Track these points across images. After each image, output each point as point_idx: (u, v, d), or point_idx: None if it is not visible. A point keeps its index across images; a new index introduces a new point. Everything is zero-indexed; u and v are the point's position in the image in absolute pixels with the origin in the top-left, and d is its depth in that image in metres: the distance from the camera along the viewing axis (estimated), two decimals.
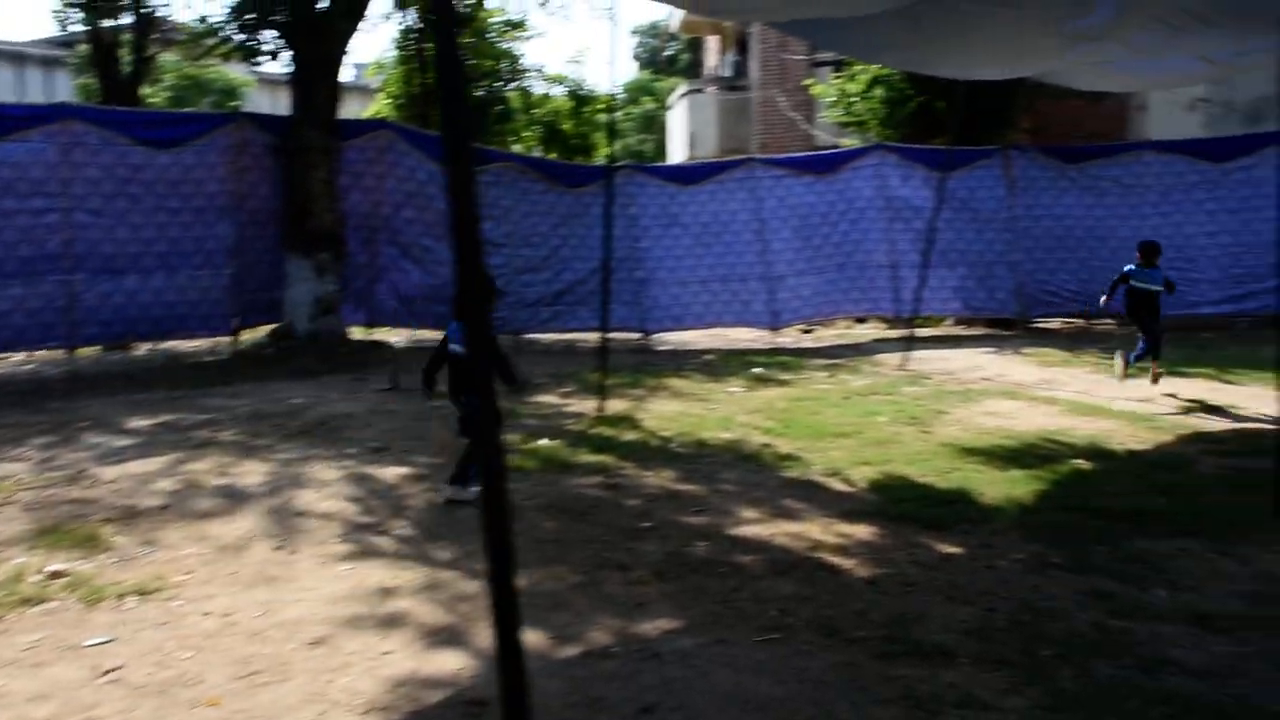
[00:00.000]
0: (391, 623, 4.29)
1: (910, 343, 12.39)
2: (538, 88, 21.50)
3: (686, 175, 15.92)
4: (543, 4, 23.88)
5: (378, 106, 21.08)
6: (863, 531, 5.49)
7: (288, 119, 12.69)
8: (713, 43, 32.26)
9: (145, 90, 17.73)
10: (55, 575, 4.78)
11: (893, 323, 15.64)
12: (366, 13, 13.11)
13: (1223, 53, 8.96)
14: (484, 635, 3.97)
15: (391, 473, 6.75)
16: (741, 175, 15.49)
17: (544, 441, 7.66)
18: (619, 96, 39.39)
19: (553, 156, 20.23)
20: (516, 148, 20.90)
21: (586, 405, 9.17)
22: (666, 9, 28.98)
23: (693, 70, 39.36)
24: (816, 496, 6.23)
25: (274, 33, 12.83)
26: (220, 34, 13.41)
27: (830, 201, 15.53)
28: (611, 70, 18.46)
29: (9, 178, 10.86)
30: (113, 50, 14.66)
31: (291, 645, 4.07)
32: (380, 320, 13.86)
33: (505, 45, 19.95)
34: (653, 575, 4.82)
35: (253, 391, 9.88)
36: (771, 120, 23.62)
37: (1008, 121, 16.41)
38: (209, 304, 12.21)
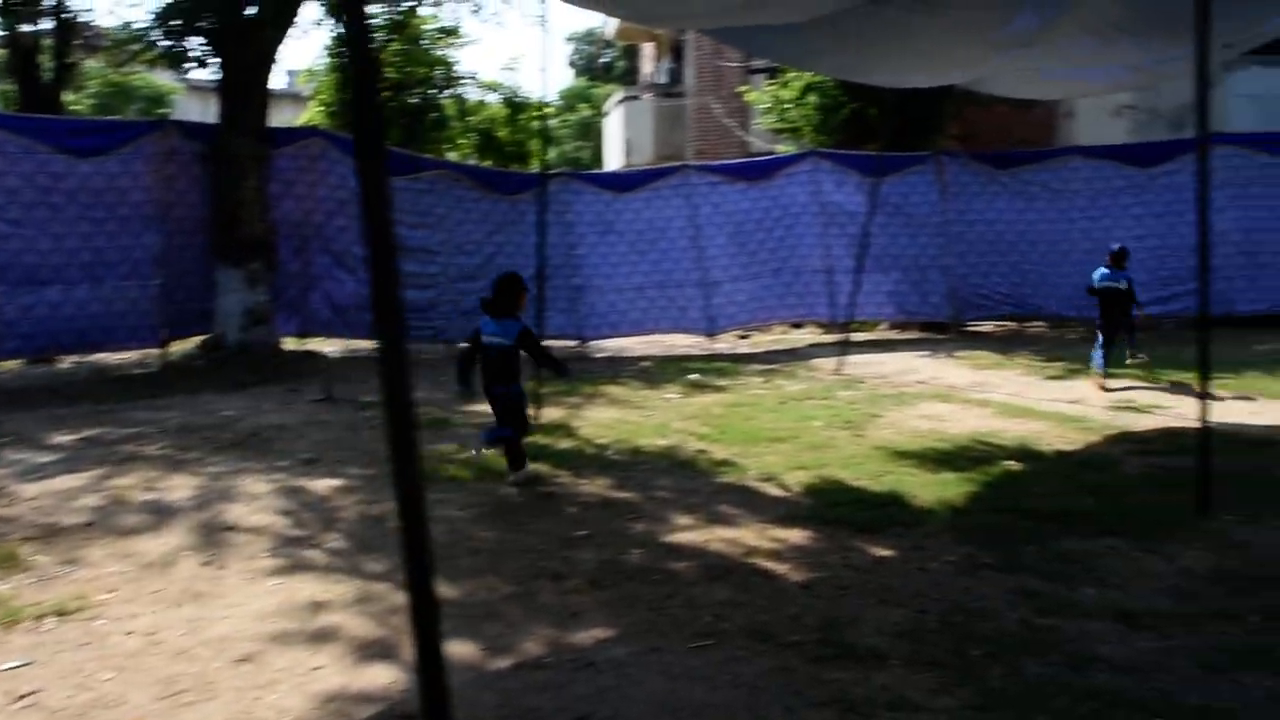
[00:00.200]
0: (322, 637, 4.22)
1: (845, 347, 12.51)
2: (473, 95, 21.44)
3: (622, 182, 15.98)
4: (475, 11, 23.78)
5: (310, 114, 20.85)
6: (797, 536, 5.52)
7: (217, 126, 12.48)
8: (648, 50, 32.38)
9: (69, 97, 17.38)
10: None
11: (828, 327, 15.78)
12: (297, 19, 12.95)
13: (1145, 61, 9.19)
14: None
15: (324, 485, 6.66)
16: (677, 182, 15.57)
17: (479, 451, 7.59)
18: (555, 103, 39.39)
19: (489, 164, 20.15)
20: (452, 155, 20.78)
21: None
22: (602, 16, 28.99)
23: (629, 77, 39.51)
24: (751, 502, 6.25)
25: (201, 39, 12.61)
26: (145, 40, 13.15)
27: (765, 208, 15.66)
28: (544, 77, 18.43)
29: None
30: (32, 56, 14.31)
31: (218, 663, 3.99)
32: (314, 330, 13.69)
33: (439, 52, 19.84)
34: (587, 584, 4.80)
35: (182, 404, 9.70)
36: (707, 127, 23.75)
37: (939, 128, 16.68)
38: (136, 315, 11.95)
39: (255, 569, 5.07)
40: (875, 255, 14.99)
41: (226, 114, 12.32)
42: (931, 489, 6.40)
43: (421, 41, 19.31)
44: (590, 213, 15.25)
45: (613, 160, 27.88)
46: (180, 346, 12.41)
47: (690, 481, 6.77)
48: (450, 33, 19.69)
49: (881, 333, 16.17)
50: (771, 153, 18.15)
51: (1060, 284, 15.56)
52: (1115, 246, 11.35)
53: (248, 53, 12.21)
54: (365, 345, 13.17)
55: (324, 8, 15.40)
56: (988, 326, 16.39)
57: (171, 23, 12.55)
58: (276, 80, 13.03)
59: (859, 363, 12.39)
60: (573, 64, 53.30)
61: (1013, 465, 7.10)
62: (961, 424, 8.60)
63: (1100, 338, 10.71)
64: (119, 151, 11.81)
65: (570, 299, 14.95)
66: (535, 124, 20.82)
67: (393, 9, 16.98)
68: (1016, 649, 3.98)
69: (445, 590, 4.72)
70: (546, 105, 15.60)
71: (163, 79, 27.53)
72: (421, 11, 17.93)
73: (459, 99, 20.66)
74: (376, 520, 5.85)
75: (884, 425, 8.57)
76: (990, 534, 5.45)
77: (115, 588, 4.81)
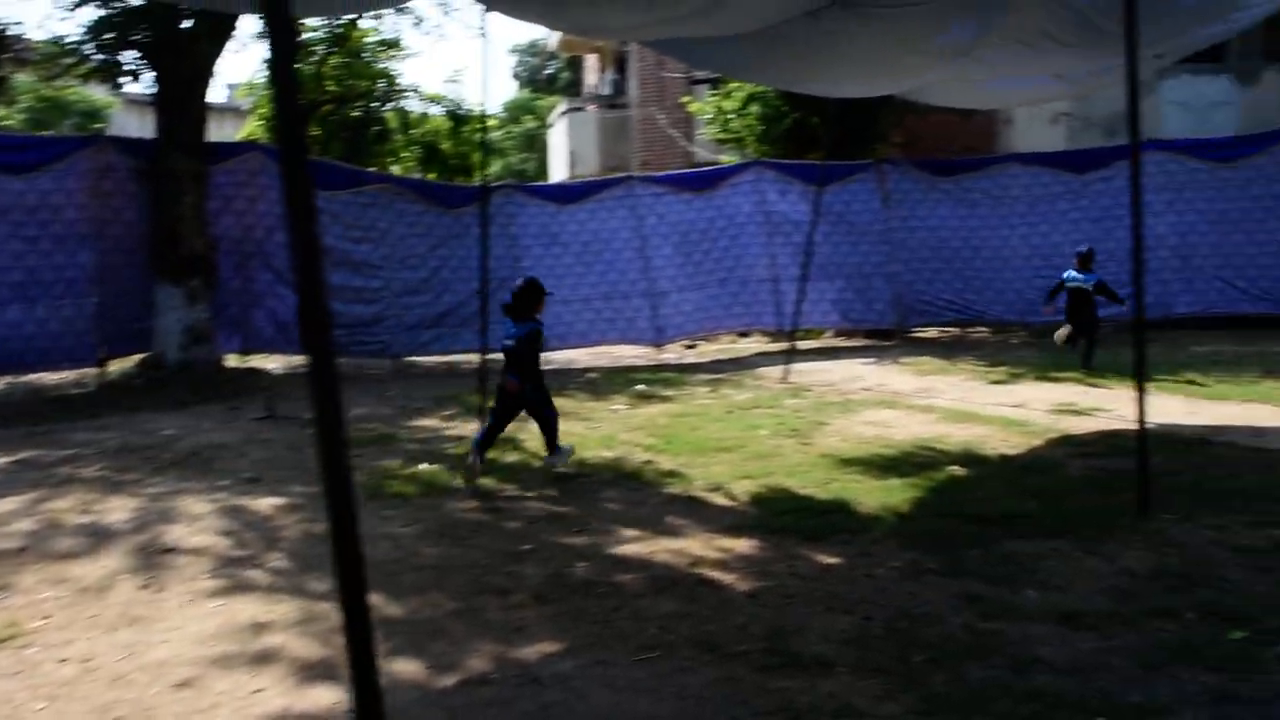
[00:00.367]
0: (263, 659, 4.16)
1: (791, 355, 12.58)
2: (416, 108, 21.31)
3: (566, 194, 15.97)
4: (417, 24, 23.68)
5: (250, 128, 20.61)
6: (743, 545, 5.54)
7: (153, 142, 12.29)
8: (592, 61, 32.44)
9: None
10: None
11: (775, 336, 15.88)
12: (235, 32, 12.80)
13: (1077, 72, 9.36)
14: None
15: (266, 504, 6.57)
16: (622, 193, 15.59)
17: (424, 466, 7.56)
18: (499, 116, 39.30)
19: (432, 177, 20.05)
20: (395, 169, 20.64)
21: (468, 428, 9.07)
22: (545, 28, 28.97)
23: (573, 88, 39.52)
24: (698, 512, 6.27)
25: (135, 52, 12.43)
26: (77, 54, 12.92)
27: (710, 218, 15.74)
28: (485, 89, 18.38)
29: None
30: None
31: (156, 688, 3.92)
32: (256, 347, 13.51)
33: (381, 65, 19.71)
34: (532, 598, 4.78)
35: (121, 424, 9.53)
36: (651, 138, 23.83)
37: (880, 136, 16.88)
38: (72, 335, 11.71)
39: (195, 591, 4.99)
40: (820, 263, 15.13)
41: (163, 129, 12.14)
42: (877, 495, 6.46)
43: (363, 54, 19.18)
44: (535, 225, 15.22)
45: (558, 172, 27.88)
46: (119, 366, 12.19)
47: (636, 493, 6.77)
48: (392, 45, 19.57)
49: (827, 340, 16.30)
50: (716, 163, 18.25)
51: (1003, 289, 15.82)
52: (1083, 249, 12.33)
53: (184, 66, 12.06)
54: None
55: (262, 21, 15.24)
56: (932, 332, 16.58)
57: (104, 36, 12.34)
58: (215, 94, 12.91)
59: (805, 371, 12.47)
60: (516, 76, 53.31)
61: (957, 470, 7.18)
62: (906, 430, 8.68)
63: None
64: (52, 168, 11.59)
65: None
66: (479, 136, 20.77)
67: (333, 21, 16.85)
68: (960, 653, 4.02)
69: (390, 608, 4.69)
70: (489, 117, 15.56)
71: (98, 93, 27.07)
72: (363, 24, 17.81)
73: (402, 112, 20.53)
74: (319, 539, 5.76)
75: (830, 433, 8.63)
76: (935, 539, 5.51)
77: (49, 614, 4.71)
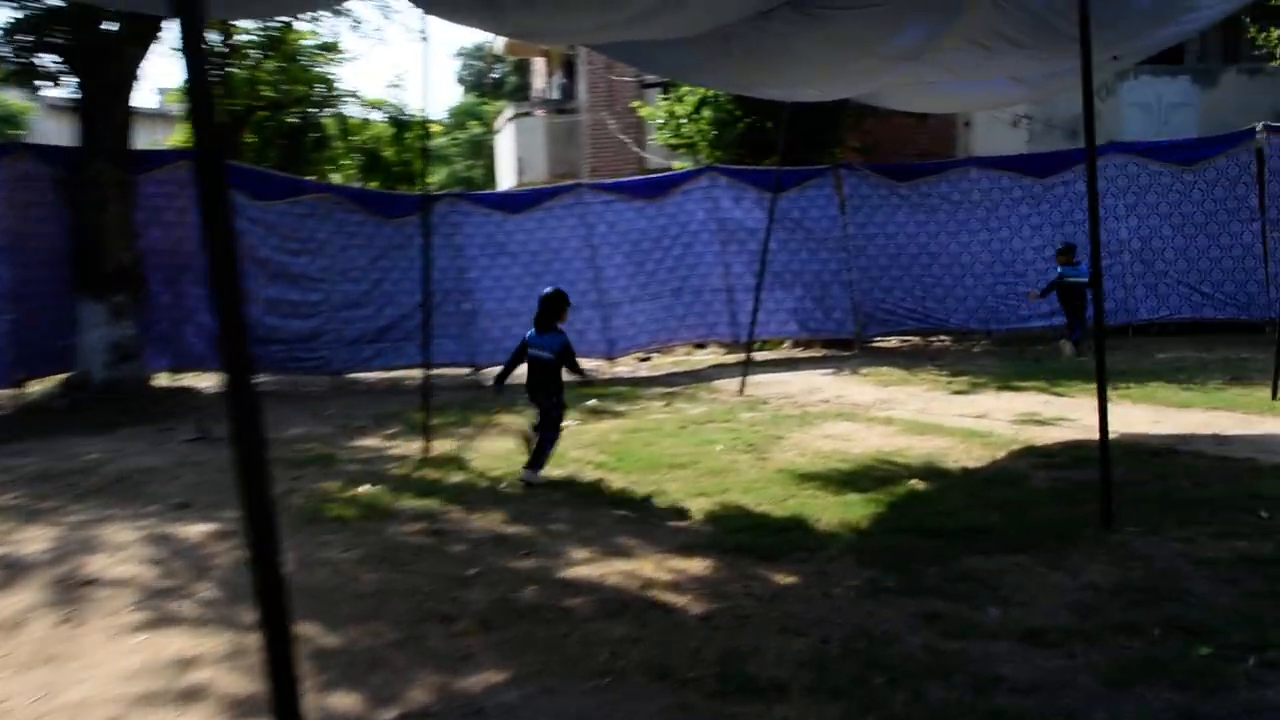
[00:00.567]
0: (190, 697, 4.07)
1: (748, 367, 12.61)
2: (356, 113, 21.18)
3: (513, 202, 15.92)
4: (355, 26, 23.55)
5: (181, 135, 20.38)
6: (697, 566, 5.51)
7: (76, 149, 12.09)
8: (540, 65, 32.43)
9: None
10: None
11: (731, 347, 15.91)
12: (161, 34, 12.63)
13: (1034, 75, 9.48)
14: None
15: (196, 531, 6.46)
16: (570, 201, 15.57)
17: (365, 488, 7.48)
18: (443, 121, 39.17)
19: (374, 186, 19.93)
20: (336, 177, 20.51)
21: (411, 447, 9.02)
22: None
23: (520, 93, 39.51)
24: (650, 532, 6.24)
25: (55, 56, 12.22)
26: None
27: (662, 226, 15.75)
28: (426, 93, 18.31)
29: None
30: None
31: None
32: (188, 365, 13.34)
33: (319, 69, 19.57)
34: (477, 625, 4.73)
35: (41, 449, 9.35)
36: (602, 143, 23.85)
37: (837, 140, 17.00)
38: None
39: (118, 625, 4.88)
40: (776, 272, 15.22)
41: (86, 136, 11.95)
42: (835, 511, 6.46)
43: (300, 58, 19.03)
44: (480, 235, 15.16)
45: (505, 179, 27.82)
46: (40, 386, 11.97)
47: (586, 513, 6.74)
48: (330, 49, 19.45)
49: (785, 351, 16.36)
50: (668, 169, 18.30)
51: (964, 297, 15.95)
52: (1060, 245, 13.48)
53: (108, 70, 11.87)
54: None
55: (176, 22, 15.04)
56: (892, 342, 16.70)
57: (20, 38, 12.12)
58: (142, 99, 12.69)
59: (762, 383, 12.50)
60: (462, 80, 53.15)
61: (917, 484, 7.21)
62: (866, 443, 8.71)
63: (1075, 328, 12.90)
64: None
65: (462, 324, 14.84)
66: (422, 143, 20.69)
67: (267, 24, 16.70)
68: (920, 674, 4.01)
69: (327, 638, 4.61)
70: (432, 123, 15.50)
71: (16, 98, 26.63)
72: (300, 26, 17.68)
73: (341, 118, 20.40)
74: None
75: (787, 447, 8.65)
76: (894, 556, 5.51)
77: None
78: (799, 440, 8.93)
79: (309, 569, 5.57)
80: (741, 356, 13.67)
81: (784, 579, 5.26)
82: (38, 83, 12.94)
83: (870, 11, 7.07)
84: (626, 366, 15.37)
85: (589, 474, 7.84)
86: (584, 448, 8.84)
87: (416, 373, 13.16)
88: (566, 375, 7.97)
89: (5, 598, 5.29)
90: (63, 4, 11.71)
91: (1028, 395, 10.90)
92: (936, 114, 17.42)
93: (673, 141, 18.23)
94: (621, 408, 11.01)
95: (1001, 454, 8.14)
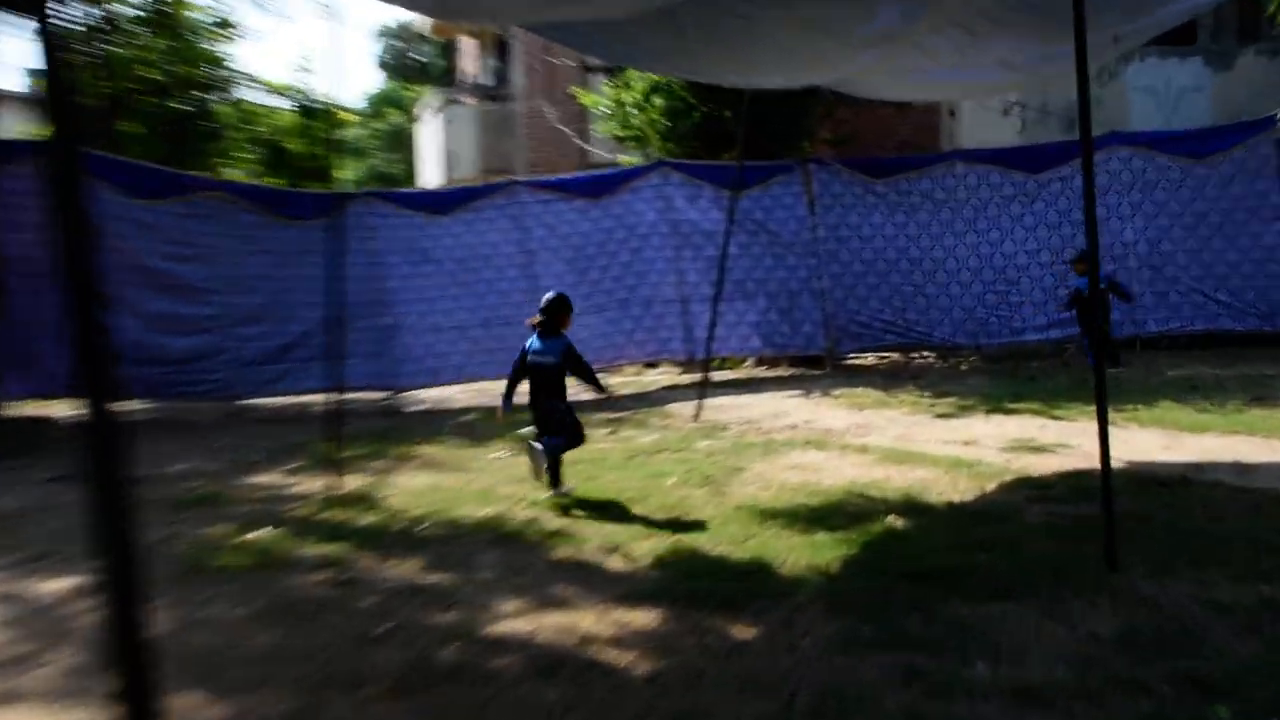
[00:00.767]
0: None
1: (705, 389, 12.59)
2: (256, 100, 21.03)
3: (438, 202, 15.87)
4: (257, 1, 23.41)
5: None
6: (643, 618, 5.45)
7: None
8: (469, 47, 32.39)
9: None
10: None
11: (686, 366, 15.92)
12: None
13: (1025, 59, 9.51)
14: None
15: (54, 586, 6.30)
16: (504, 201, 15.54)
17: (260, 532, 7.36)
18: (360, 110, 39.01)
19: (279, 183, 19.77)
20: (234, 174, 20.32)
21: (317, 484, 8.89)
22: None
23: (448, 78, 39.40)
24: (591, 578, 6.18)
25: None
26: None
27: (608, 229, 15.75)
28: (336, 77, 18.19)
29: None
30: None
31: None
32: (53, 391, 13.07)
33: (212, 48, 19.40)
34: (389, 690, 4.64)
35: None
36: (540, 135, 23.86)
37: (805, 132, 17.09)
38: None
39: None
40: (737, 280, 15.24)
41: None
42: (802, 553, 6.43)
43: (190, 35, 18.85)
44: (400, 239, 15.08)
45: (431, 175, 27.72)
46: None
47: (518, 557, 6.66)
48: (226, 25, 19.31)
49: (747, 370, 16.39)
50: (614, 164, 18.30)
51: (950, 307, 16.02)
52: (1075, 253, 13.83)
53: None
54: (124, 407, 12.67)
55: None
56: (868, 359, 16.79)
57: None
58: (7, 81, 12.48)
59: (721, 406, 12.50)
60: (383, 63, 52.94)
61: (896, 521, 7.20)
62: (838, 474, 8.72)
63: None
64: None
65: (379, 342, 14.73)
66: (337, 134, 20.59)
67: None
68: None
69: (210, 710, 4.51)
70: (344, 111, 15.41)
71: None
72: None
73: (239, 105, 20.24)
74: None
75: (749, 480, 8.63)
76: (869, 603, 5.48)
77: None
78: (762, 472, 8.92)
79: (191, 629, 5.44)
80: (698, 377, 13.67)
81: (743, 631, 5.22)
82: None
83: None
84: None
85: (521, 512, 7.77)
86: (516, 482, 8.77)
87: (325, 398, 13.06)
88: (579, 387, 8.69)
89: None
90: None
91: (1021, 419, 10.97)
92: (919, 101, 17.57)
93: (619, 133, 18.24)
94: None
95: (991, 486, 8.16)
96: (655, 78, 16.78)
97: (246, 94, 20.54)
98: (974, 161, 16.27)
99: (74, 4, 15.69)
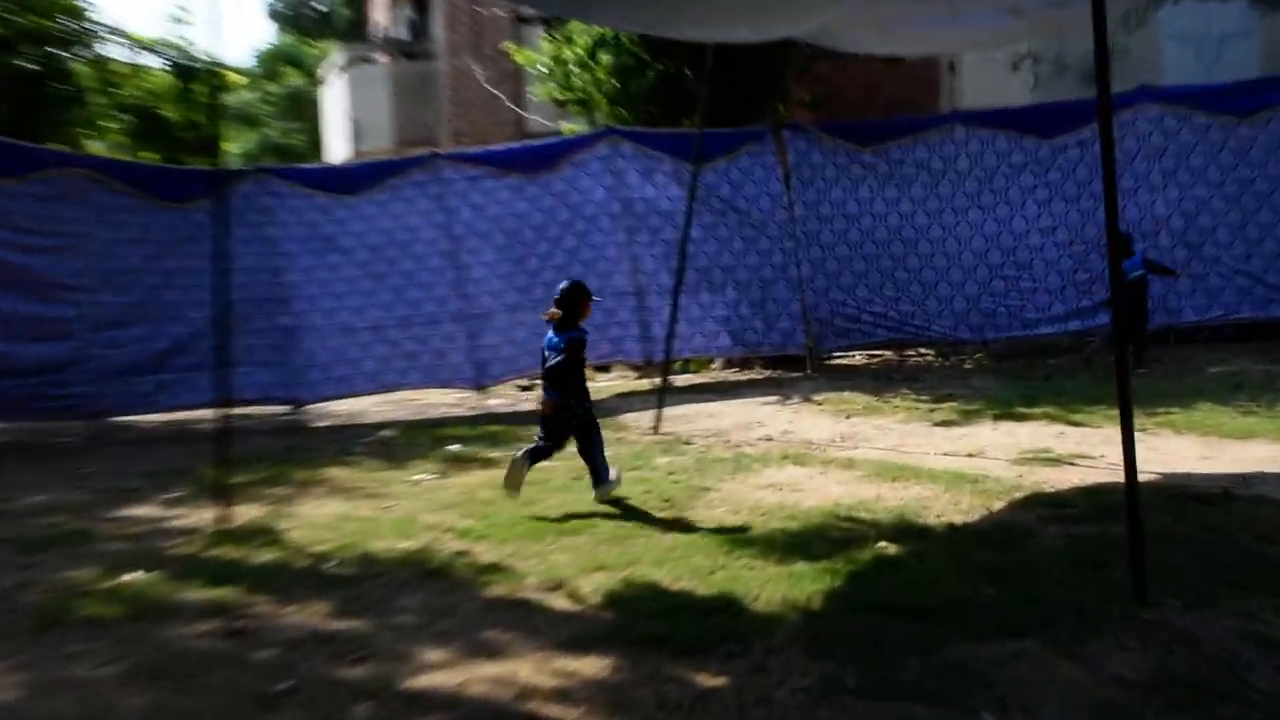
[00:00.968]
0: None
1: (664, 396, 12.61)
2: (123, 58, 20.88)
3: (346, 180, 15.81)
4: None
5: None
6: (591, 666, 5.46)
7: None
8: None
9: None
10: None
11: (643, 370, 15.96)
12: None
13: (1035, 1, 9.53)
14: None
15: None
16: (424, 178, 15.52)
17: (135, 575, 7.30)
18: (249, 70, 38.80)
19: (153, 158, 19.66)
20: (95, 146, 20.18)
21: (203, 516, 8.84)
22: None
23: (355, 31, 39.25)
24: (530, 621, 6.18)
25: None
26: None
27: (548, 209, 15.76)
28: (217, 30, 18.05)
29: None
30: None
31: None
32: None
33: None
34: None
35: None
36: (468, 99, 23.85)
37: (779, 92, 17.11)
38: None
39: None
40: (701, 268, 15.30)
41: None
42: (778, 586, 6.46)
43: None
44: (301, 224, 15.03)
45: (336, 148, 27.64)
46: None
47: (444, 598, 6.66)
48: None
49: (714, 373, 16.44)
50: (555, 133, 18.31)
51: (950, 296, 16.05)
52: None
53: None
54: None
55: None
56: (856, 358, 16.87)
57: None
58: None
59: (684, 416, 12.55)
60: (275, 14, 52.60)
61: (887, 547, 7.24)
62: (821, 493, 8.76)
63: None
64: None
65: (277, 347, 14.68)
66: (221, 99, 20.48)
67: None
68: None
69: None
70: (229, 71, 15.33)
71: None
72: None
73: (102, 64, 20.06)
74: None
75: (716, 502, 8.66)
76: (856, 644, 5.51)
77: None
78: (731, 492, 8.95)
79: (47, 693, 5.40)
80: (657, 381, 13.69)
81: (709, 680, 5.23)
82: None
83: None
84: (503, 399, 15.32)
85: (448, 545, 7.75)
86: (442, 510, 8.77)
87: (212, 413, 13.00)
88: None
89: None
90: None
91: (1035, 425, 11.05)
92: (912, 56, 17.64)
93: (560, 96, 18.25)
94: (494, 454, 10.96)
95: (1000, 504, 8.22)
96: (602, 30, 16.77)
97: (111, 50, 20.38)
98: (977, 124, 16.28)
99: None
